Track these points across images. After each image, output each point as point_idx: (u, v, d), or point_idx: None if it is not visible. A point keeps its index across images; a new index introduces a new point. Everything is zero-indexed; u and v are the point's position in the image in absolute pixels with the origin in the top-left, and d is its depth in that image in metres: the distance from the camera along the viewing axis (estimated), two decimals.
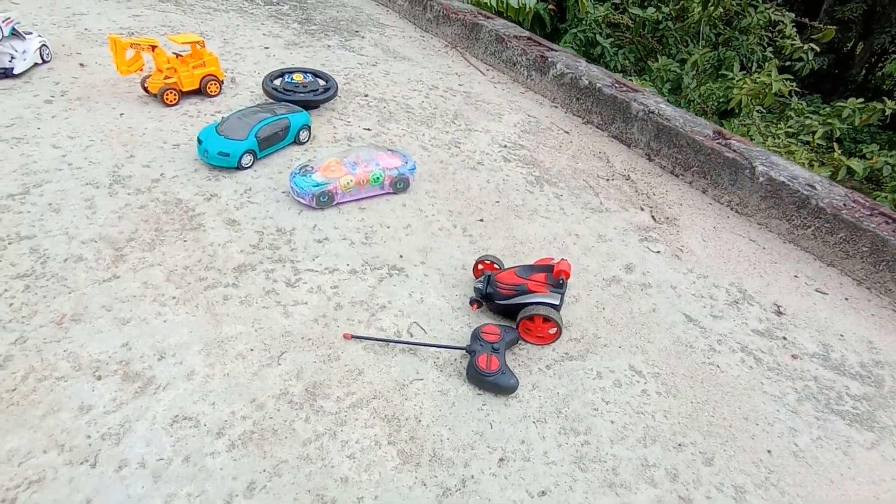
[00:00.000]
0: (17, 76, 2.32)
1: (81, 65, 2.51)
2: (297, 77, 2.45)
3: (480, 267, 1.62)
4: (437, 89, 2.85)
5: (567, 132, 2.64)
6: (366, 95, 2.67)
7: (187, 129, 2.17)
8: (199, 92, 2.38)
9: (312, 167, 1.87)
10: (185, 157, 2.00)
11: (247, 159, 1.97)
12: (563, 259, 1.46)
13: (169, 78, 2.27)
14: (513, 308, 1.47)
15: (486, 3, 4.07)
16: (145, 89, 2.30)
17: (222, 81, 2.44)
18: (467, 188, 2.10)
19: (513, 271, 1.50)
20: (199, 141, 1.95)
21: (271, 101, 2.32)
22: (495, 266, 1.60)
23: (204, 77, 2.35)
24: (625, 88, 2.63)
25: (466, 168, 2.22)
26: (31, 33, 2.42)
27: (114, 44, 2.11)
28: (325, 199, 1.83)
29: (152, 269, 1.53)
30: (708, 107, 4.44)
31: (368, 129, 2.38)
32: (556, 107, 2.88)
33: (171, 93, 2.27)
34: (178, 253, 1.59)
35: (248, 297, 1.48)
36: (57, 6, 3.12)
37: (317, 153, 2.16)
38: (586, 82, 2.69)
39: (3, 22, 2.17)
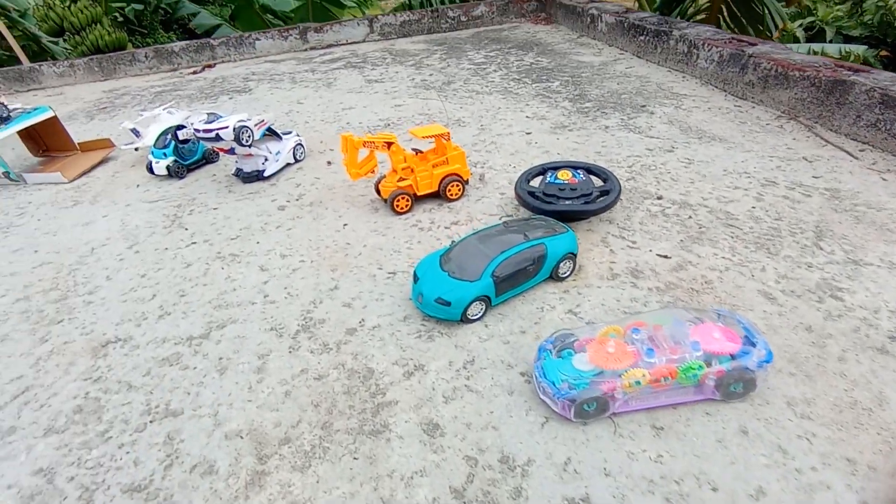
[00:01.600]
0: (268, 178, 2.18)
1: (329, 163, 2.29)
2: (564, 175, 1.74)
3: None
4: (777, 185, 1.81)
5: None
6: (659, 198, 1.80)
7: (412, 249, 1.64)
8: (438, 195, 1.87)
9: (574, 342, 1.08)
10: (397, 295, 1.44)
11: (476, 308, 1.30)
12: None
13: (403, 180, 1.81)
14: None
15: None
16: (378, 192, 1.89)
17: (467, 182, 1.89)
18: (879, 400, 1.02)
19: None
20: (416, 277, 1.36)
21: (525, 213, 1.65)
22: None
23: (445, 177, 1.84)
24: None
25: (866, 348, 1.14)
26: (289, 133, 2.30)
27: (345, 143, 1.74)
28: (591, 408, 1.01)
29: None
30: None
31: (666, 257, 1.50)
32: None
33: (403, 199, 1.80)
34: (336, 484, 0.96)
35: None
36: (332, 103, 3.14)
37: (583, 302, 1.36)
38: None
39: (257, 125, 2.04)
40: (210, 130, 1.93)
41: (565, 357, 1.06)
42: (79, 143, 2.74)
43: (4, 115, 2.43)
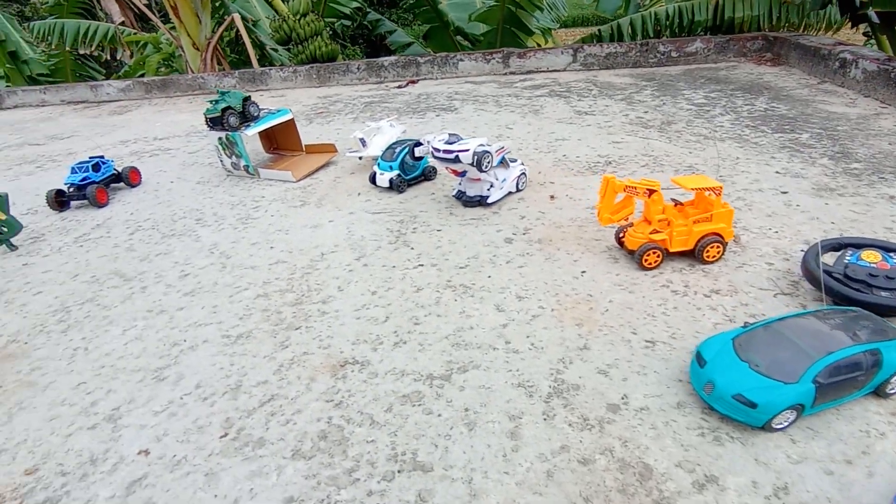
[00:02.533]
0: (490, 205, 2.09)
1: (552, 197, 2.14)
2: (871, 256, 1.39)
3: None
4: None
5: None
6: None
7: (668, 315, 1.40)
8: (692, 254, 1.61)
9: None
10: (662, 371, 1.21)
11: (784, 417, 1.03)
12: None
13: (657, 232, 1.58)
14: None
15: None
16: (620, 242, 1.69)
17: (727, 244, 1.61)
18: None
19: None
20: (700, 360, 1.13)
21: (830, 299, 1.33)
22: None
23: (705, 237, 1.58)
24: None
25: None
26: (515, 161, 2.19)
27: (606, 185, 1.56)
28: None
29: None
30: None
31: None
32: None
33: (653, 254, 1.57)
34: None
35: None
36: (543, 132, 3.02)
37: None
38: None
39: (497, 151, 1.95)
40: (451, 151, 1.88)
41: None
42: (305, 146, 2.92)
43: (256, 113, 2.65)
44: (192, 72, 6.18)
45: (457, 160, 1.88)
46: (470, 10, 8.69)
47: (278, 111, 2.75)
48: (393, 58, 5.00)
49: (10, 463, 1.13)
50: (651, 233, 1.59)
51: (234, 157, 2.64)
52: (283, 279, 1.75)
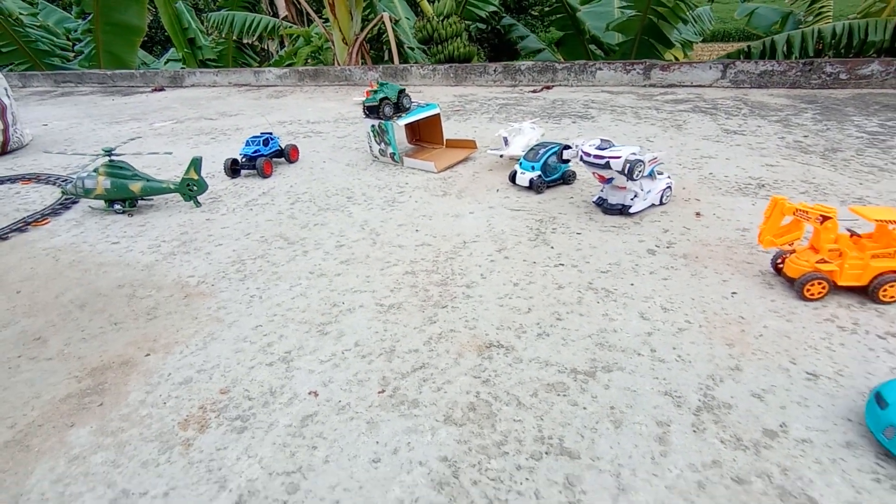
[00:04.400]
0: (631, 215, 2.07)
1: (697, 214, 2.07)
2: None
3: None
4: None
5: None
6: None
7: (833, 350, 1.31)
8: (864, 291, 1.49)
9: None
10: (828, 406, 1.15)
11: None
12: None
13: (825, 262, 1.48)
14: None
15: None
16: (776, 268, 1.61)
17: None
18: None
19: None
20: (881, 401, 1.05)
21: None
22: None
23: (883, 274, 1.45)
24: None
25: None
26: (662, 173, 2.15)
27: (774, 206, 1.50)
28: None
29: None
30: None
31: None
32: None
33: (818, 284, 1.48)
34: None
35: None
36: (686, 147, 2.91)
37: None
38: None
39: (649, 161, 1.93)
40: (601, 157, 1.89)
41: None
42: (445, 139, 3.06)
43: (408, 105, 2.83)
44: (339, 64, 6.67)
45: (607, 166, 1.89)
46: (607, 19, 8.52)
47: (426, 105, 2.91)
48: (530, 62, 5.04)
49: (207, 381, 1.33)
50: (818, 262, 1.49)
51: (382, 143, 2.84)
52: (429, 260, 1.86)
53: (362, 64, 6.73)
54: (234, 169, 2.82)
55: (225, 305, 1.66)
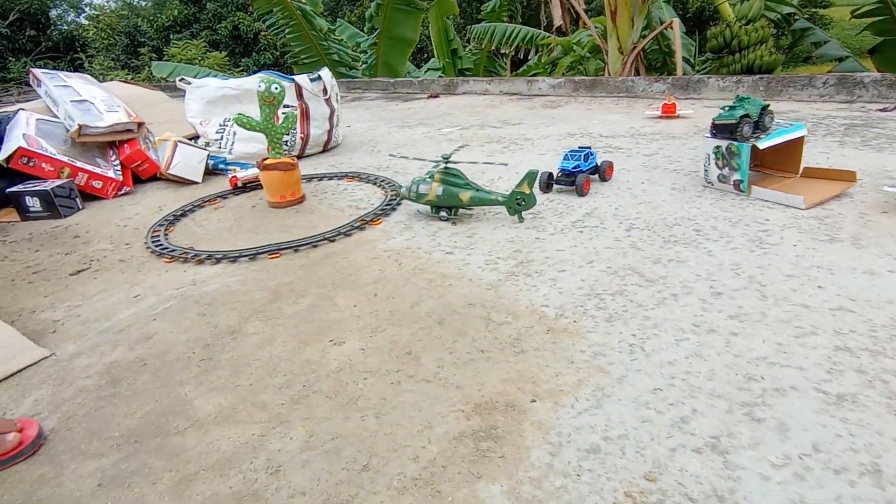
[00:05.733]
0: None
1: None
2: None
3: None
4: None
5: None
6: None
7: None
8: None
9: None
10: None
11: None
12: None
13: None
14: None
15: None
16: None
17: None
18: None
19: None
20: None
21: None
22: None
23: None
24: None
25: None
26: None
27: None
28: None
29: None
30: None
31: None
32: None
33: None
34: None
35: None
36: None
37: None
38: None
39: None
40: None
41: None
42: (804, 168, 2.48)
43: (769, 125, 2.33)
44: (610, 74, 6.32)
45: None
46: None
47: (791, 125, 2.37)
48: (876, 74, 4.02)
49: (620, 456, 1.09)
50: None
51: (727, 168, 2.39)
52: (863, 334, 1.38)
53: (636, 74, 6.28)
54: (549, 183, 2.67)
55: (602, 352, 1.43)
